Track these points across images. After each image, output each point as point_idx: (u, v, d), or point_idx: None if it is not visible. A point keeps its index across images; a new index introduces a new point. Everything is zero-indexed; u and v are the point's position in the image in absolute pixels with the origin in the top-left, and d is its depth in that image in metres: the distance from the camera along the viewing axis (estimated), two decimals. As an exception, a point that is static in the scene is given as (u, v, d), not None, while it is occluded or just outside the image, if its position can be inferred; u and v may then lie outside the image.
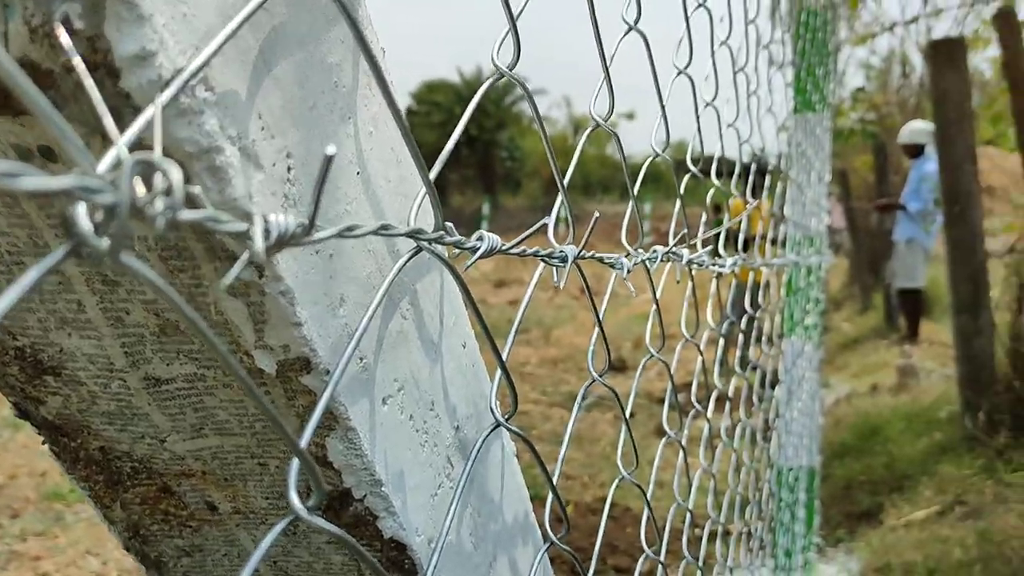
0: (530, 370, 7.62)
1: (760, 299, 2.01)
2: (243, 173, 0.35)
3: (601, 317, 0.76)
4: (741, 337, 1.74)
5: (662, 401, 4.95)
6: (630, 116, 37.17)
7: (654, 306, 0.95)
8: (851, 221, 9.41)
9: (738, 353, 1.69)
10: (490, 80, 0.57)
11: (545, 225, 0.62)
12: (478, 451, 0.54)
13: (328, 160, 0.30)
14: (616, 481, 0.90)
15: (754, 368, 2.20)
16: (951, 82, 3.10)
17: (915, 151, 6.66)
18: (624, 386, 6.88)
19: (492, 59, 0.55)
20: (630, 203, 0.86)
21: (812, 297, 3.01)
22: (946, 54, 3.09)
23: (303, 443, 0.36)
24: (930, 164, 6.66)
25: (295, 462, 0.35)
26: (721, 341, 1.39)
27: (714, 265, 1.14)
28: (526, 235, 0.53)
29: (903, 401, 4.38)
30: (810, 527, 2.82)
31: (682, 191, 1.07)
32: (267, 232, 0.29)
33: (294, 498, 0.34)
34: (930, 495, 3.00)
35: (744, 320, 1.80)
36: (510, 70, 0.56)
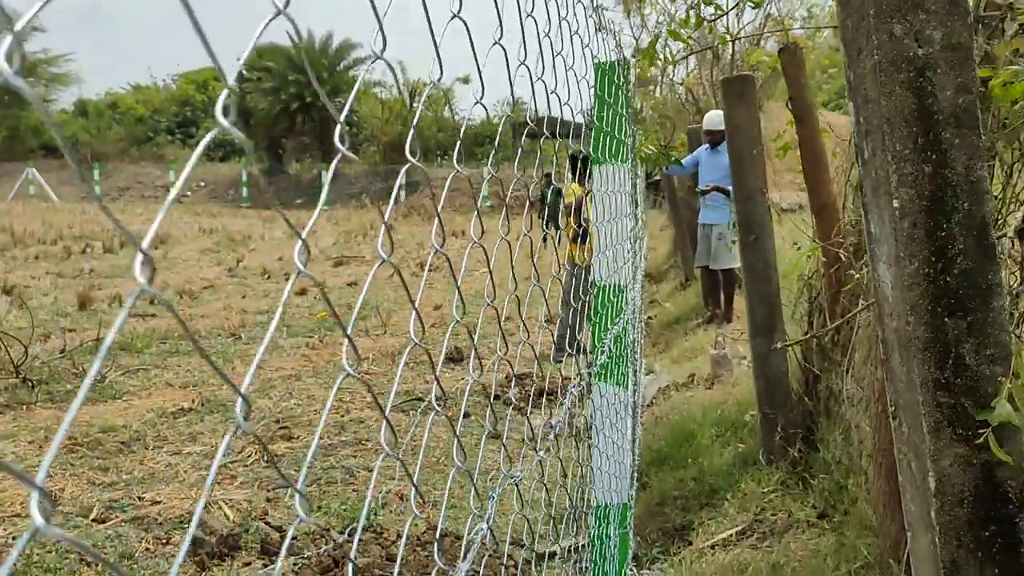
0: (367, 367, 7.46)
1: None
2: None
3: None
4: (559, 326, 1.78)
5: (498, 397, 4.90)
6: (465, 80, 37.15)
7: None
8: (673, 206, 9.83)
9: (553, 341, 1.71)
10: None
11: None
12: None
13: None
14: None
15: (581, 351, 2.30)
16: (742, 117, 3.23)
17: (719, 138, 6.93)
18: (462, 381, 6.79)
19: None
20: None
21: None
22: (737, 91, 3.22)
23: None
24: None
25: None
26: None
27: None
28: None
29: (715, 401, 4.61)
30: (623, 561, 2.93)
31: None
32: None
33: None
34: (734, 513, 3.18)
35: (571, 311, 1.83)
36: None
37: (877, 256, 1.20)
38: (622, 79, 2.82)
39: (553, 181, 21.39)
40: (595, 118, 2.63)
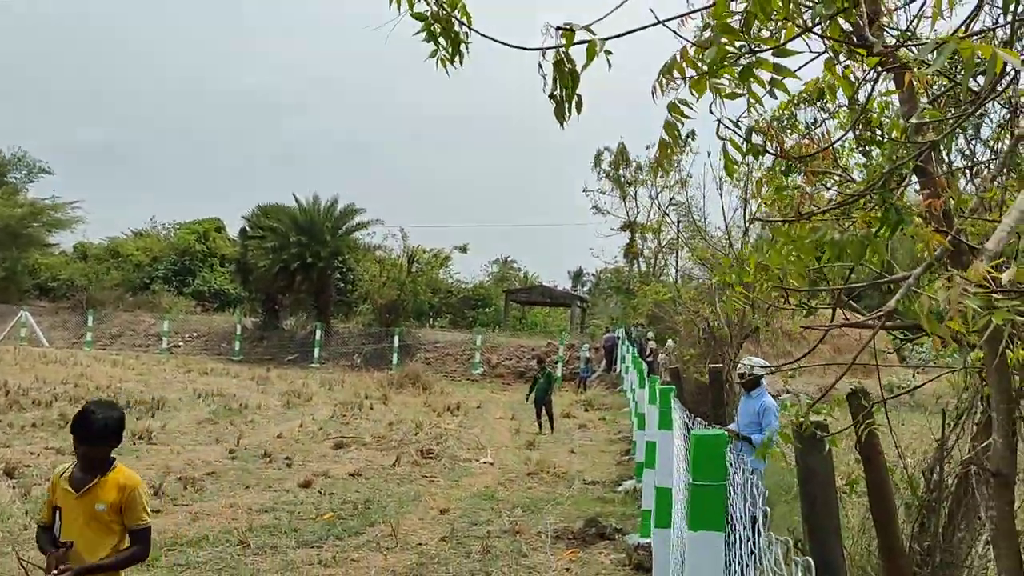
0: (381, 592, 7.28)
1: None
2: None
3: None
4: None
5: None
6: (463, 249, 38.38)
7: None
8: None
9: None
10: None
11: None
12: None
13: None
14: None
15: None
16: (816, 462, 3.39)
17: (753, 383, 7.20)
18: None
19: None
20: None
21: None
22: (810, 438, 3.40)
23: None
24: (767, 397, 7.24)
25: None
26: None
27: None
28: None
29: None
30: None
31: None
32: None
33: None
34: None
35: None
36: None
37: None
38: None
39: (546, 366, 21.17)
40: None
